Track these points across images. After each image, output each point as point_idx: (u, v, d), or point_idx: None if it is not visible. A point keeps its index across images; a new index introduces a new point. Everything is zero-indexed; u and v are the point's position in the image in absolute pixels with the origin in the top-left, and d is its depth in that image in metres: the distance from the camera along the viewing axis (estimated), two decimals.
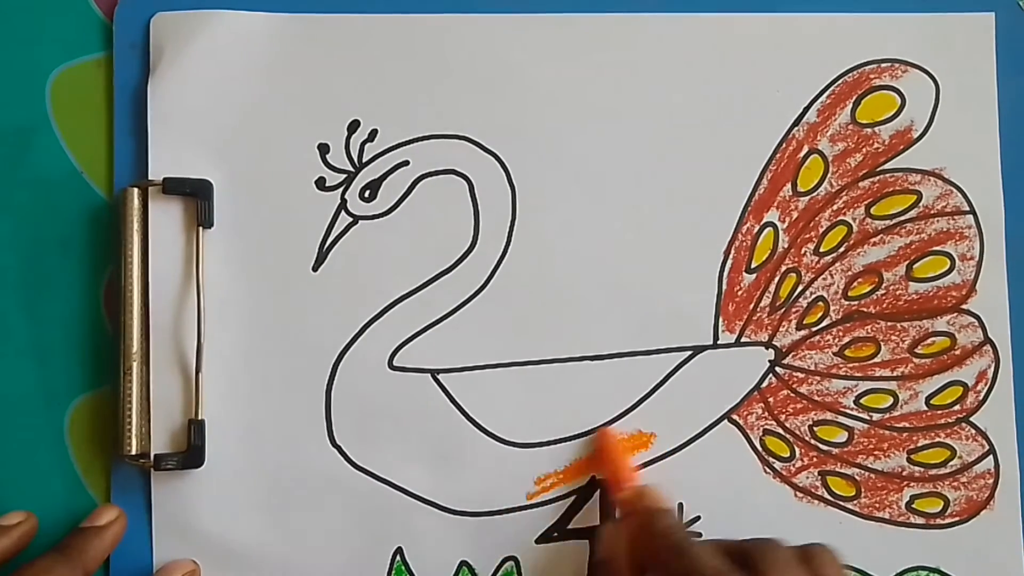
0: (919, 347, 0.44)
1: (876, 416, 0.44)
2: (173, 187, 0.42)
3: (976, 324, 0.44)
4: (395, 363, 0.42)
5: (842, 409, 0.44)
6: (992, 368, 0.44)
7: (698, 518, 0.43)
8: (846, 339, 0.44)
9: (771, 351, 0.44)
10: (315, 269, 0.43)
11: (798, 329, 0.44)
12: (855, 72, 0.44)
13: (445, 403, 0.42)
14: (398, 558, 0.42)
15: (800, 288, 0.44)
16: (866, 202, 0.44)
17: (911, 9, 0.44)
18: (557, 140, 0.43)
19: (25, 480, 0.42)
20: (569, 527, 0.43)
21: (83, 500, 0.42)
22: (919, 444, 0.44)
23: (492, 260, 0.43)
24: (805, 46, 0.44)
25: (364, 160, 0.43)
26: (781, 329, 0.44)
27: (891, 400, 0.44)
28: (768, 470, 0.43)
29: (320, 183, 0.43)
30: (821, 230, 0.44)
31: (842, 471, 0.43)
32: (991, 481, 0.43)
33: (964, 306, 0.44)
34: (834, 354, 0.44)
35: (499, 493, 0.42)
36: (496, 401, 0.42)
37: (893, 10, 0.44)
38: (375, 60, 0.43)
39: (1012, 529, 0.43)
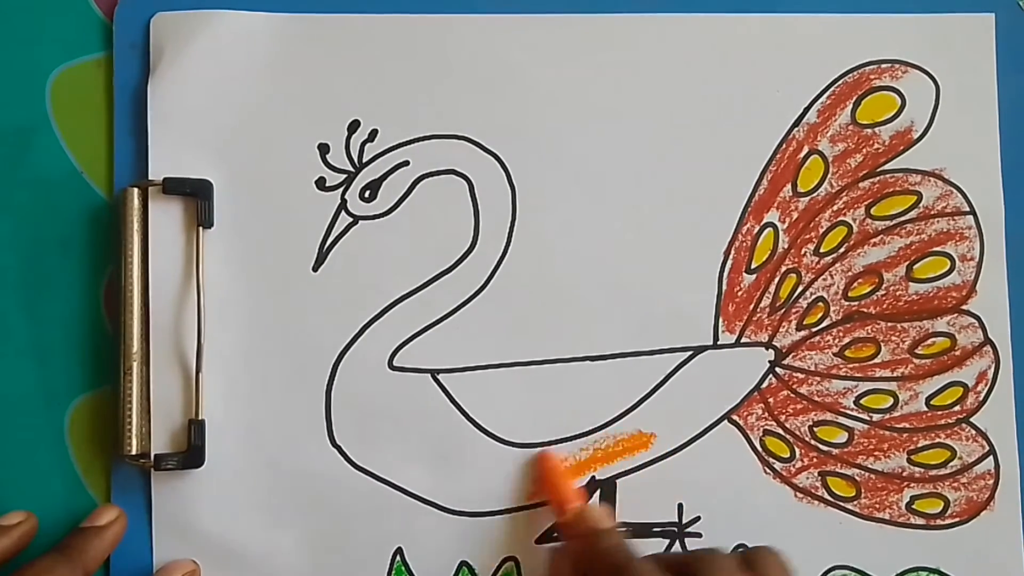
0: (919, 348, 0.44)
1: (876, 417, 0.44)
2: (173, 187, 0.42)
3: (976, 325, 0.44)
4: (395, 363, 0.42)
5: (842, 410, 0.44)
6: (992, 369, 0.44)
7: (698, 519, 0.43)
8: (846, 340, 0.44)
9: (771, 351, 0.44)
10: (315, 269, 0.43)
11: (798, 329, 0.44)
12: (855, 73, 0.44)
13: (445, 403, 0.42)
14: (398, 558, 0.42)
15: (800, 288, 0.44)
16: (866, 203, 0.44)
17: (911, 9, 0.44)
18: (557, 140, 0.43)
19: (25, 480, 0.42)
20: None
21: (83, 500, 0.42)
22: (919, 445, 0.43)
23: (492, 260, 0.43)
24: (805, 46, 0.44)
25: (364, 160, 0.43)
26: (781, 329, 0.44)
27: (891, 401, 0.44)
28: (768, 470, 0.43)
29: (320, 183, 0.43)
30: (821, 231, 0.44)
31: (842, 472, 0.43)
32: (991, 482, 0.43)
33: (964, 307, 0.44)
34: (834, 355, 0.44)
35: (499, 493, 0.42)
36: (496, 401, 0.42)
37: (893, 10, 0.44)
38: (375, 60, 0.43)
39: (1012, 530, 0.43)
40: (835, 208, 0.44)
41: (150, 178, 0.42)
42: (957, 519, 0.43)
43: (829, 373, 0.44)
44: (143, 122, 0.42)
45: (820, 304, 0.44)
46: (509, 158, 0.43)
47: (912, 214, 0.44)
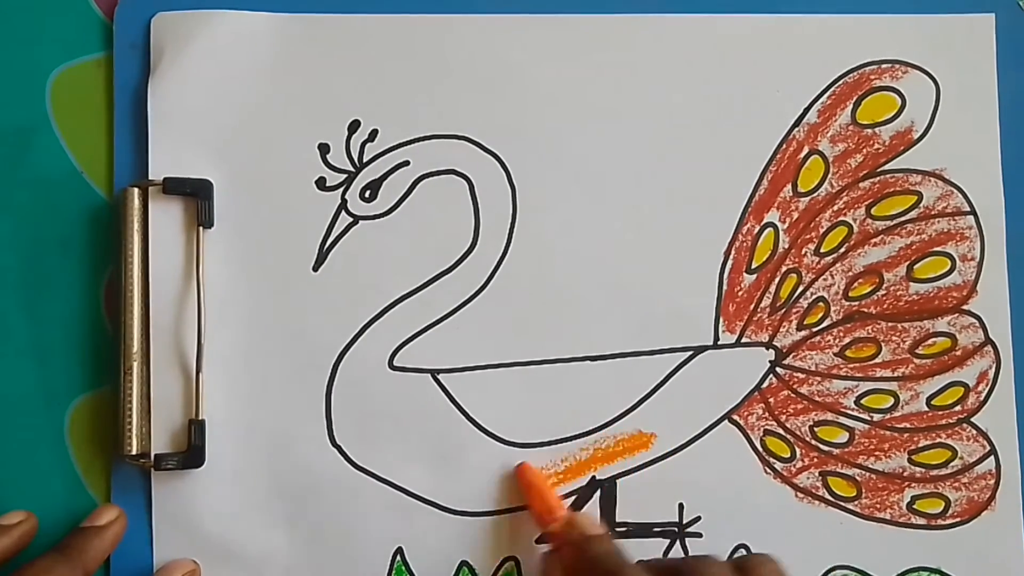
0: (920, 348, 0.44)
1: (877, 417, 0.43)
2: (173, 187, 0.42)
3: (977, 325, 0.44)
4: (395, 363, 0.42)
5: (843, 409, 0.44)
6: (993, 369, 0.44)
7: (698, 519, 0.43)
8: (847, 340, 0.44)
9: (772, 351, 0.44)
10: (315, 269, 0.43)
11: (799, 330, 0.44)
12: (855, 73, 0.44)
13: (445, 403, 0.42)
14: (398, 558, 0.42)
15: (800, 289, 0.44)
16: (867, 203, 0.44)
17: (911, 10, 0.44)
18: (557, 140, 0.43)
19: (25, 480, 0.42)
20: None
21: (83, 500, 0.42)
22: (920, 445, 0.43)
23: (492, 260, 0.43)
24: (805, 46, 0.44)
25: (364, 160, 0.43)
26: (782, 330, 0.44)
27: (892, 401, 0.44)
28: (769, 470, 0.43)
29: (320, 183, 0.43)
30: (822, 231, 0.44)
31: (843, 472, 0.43)
32: (992, 482, 0.43)
33: (965, 307, 0.44)
34: (835, 355, 0.44)
35: (499, 493, 0.42)
36: (496, 401, 0.42)
37: (893, 10, 0.44)
38: (375, 60, 0.43)
39: (1013, 530, 0.43)
40: (835, 208, 0.44)
41: (150, 178, 0.42)
42: (958, 519, 0.43)
43: (830, 373, 0.44)
44: (143, 122, 0.42)
45: (820, 304, 0.44)
46: (509, 158, 0.43)
47: (912, 214, 0.44)
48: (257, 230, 0.42)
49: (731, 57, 0.44)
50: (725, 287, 0.43)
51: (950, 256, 0.44)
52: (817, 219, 0.44)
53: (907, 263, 0.44)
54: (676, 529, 0.43)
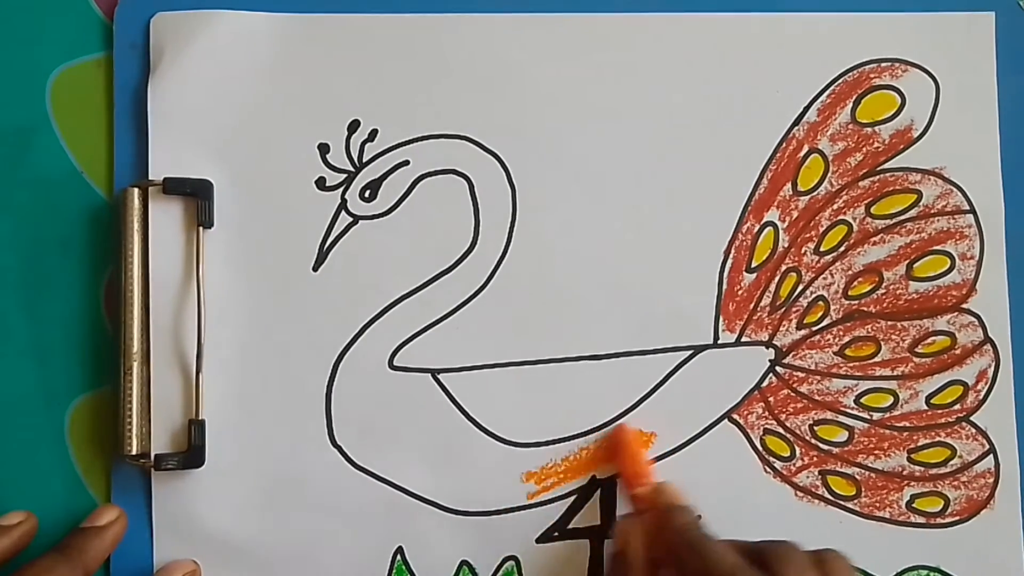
0: (919, 346, 0.44)
1: (876, 415, 0.44)
2: (173, 187, 0.41)
3: (976, 323, 0.44)
4: (395, 363, 0.42)
5: (842, 408, 0.44)
6: (992, 367, 0.44)
7: (698, 518, 0.43)
8: (846, 338, 0.44)
9: (771, 350, 0.44)
10: (315, 269, 0.43)
11: (798, 328, 0.44)
12: (855, 71, 0.44)
13: (445, 403, 0.42)
14: (399, 558, 0.42)
15: (800, 287, 0.44)
16: (866, 201, 0.44)
17: (911, 9, 0.44)
18: (557, 140, 0.43)
19: (25, 480, 0.42)
20: (570, 527, 0.43)
21: (83, 500, 0.42)
22: (919, 443, 0.44)
23: (492, 260, 0.43)
24: (805, 46, 0.44)
25: (364, 160, 0.43)
26: (781, 329, 0.44)
27: (891, 399, 0.44)
28: (768, 469, 0.43)
29: (320, 183, 0.43)
30: (821, 229, 0.44)
31: (842, 470, 0.43)
32: (991, 480, 0.43)
33: (964, 305, 0.44)
34: (834, 353, 0.44)
35: (500, 493, 0.42)
36: (496, 401, 0.42)
37: (893, 10, 0.44)
38: (375, 60, 0.43)
39: (1012, 528, 0.43)
40: (835, 207, 0.44)
41: (150, 178, 0.42)
42: (957, 518, 0.43)
43: (829, 372, 0.44)
44: (143, 122, 0.42)
45: (820, 303, 0.44)
46: (509, 158, 0.43)
47: (912, 213, 0.44)
48: (257, 230, 0.42)
49: (731, 56, 0.44)
50: (725, 286, 0.44)
51: (949, 255, 0.44)
52: (817, 218, 0.44)
53: (907, 262, 0.44)
54: None
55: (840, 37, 0.44)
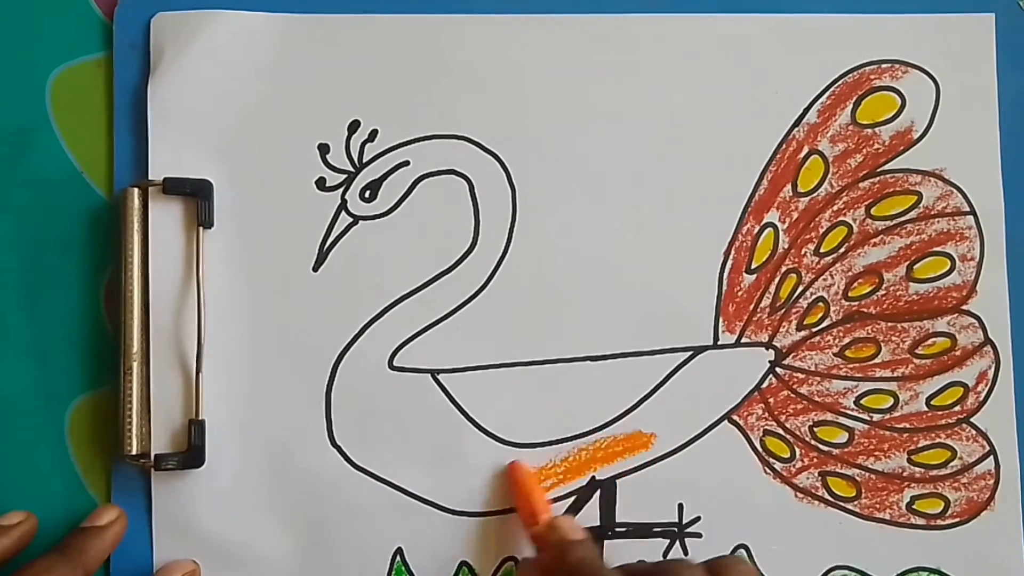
0: (919, 348, 0.44)
1: (876, 417, 0.44)
2: (173, 187, 0.41)
3: (976, 325, 0.44)
4: (395, 363, 0.42)
5: (842, 410, 0.44)
6: (992, 369, 0.44)
7: (698, 519, 0.43)
8: (846, 340, 0.44)
9: (771, 352, 0.44)
10: (315, 269, 0.43)
11: (798, 330, 0.44)
12: (855, 73, 0.44)
13: (445, 403, 0.42)
14: (398, 558, 0.42)
15: (800, 289, 0.44)
16: (866, 203, 0.44)
17: (911, 9, 0.44)
18: (557, 140, 0.43)
19: (25, 480, 0.42)
20: None
21: (83, 500, 0.42)
22: (920, 445, 0.43)
23: (492, 260, 0.43)
24: (805, 46, 0.44)
25: (364, 160, 0.43)
26: (781, 330, 0.44)
27: (891, 401, 0.44)
28: (768, 471, 0.43)
29: (320, 183, 0.43)
30: (821, 231, 0.44)
31: (842, 472, 0.43)
32: (992, 482, 0.43)
33: (964, 307, 0.44)
34: (834, 355, 0.44)
35: (499, 493, 0.42)
36: (496, 401, 0.42)
37: (893, 10, 0.44)
38: (375, 60, 0.43)
39: (1013, 530, 0.43)
40: (835, 208, 0.44)
41: (150, 178, 0.42)
42: (957, 519, 0.43)
43: (829, 373, 0.44)
44: (143, 122, 0.42)
45: (820, 304, 0.44)
46: (509, 158, 0.43)
47: (912, 214, 0.44)
48: (257, 230, 0.42)
49: (731, 57, 0.44)
50: (725, 287, 0.44)
51: (950, 256, 0.44)
52: (817, 219, 0.44)
53: (907, 263, 0.44)
54: (676, 529, 0.43)
55: (840, 38, 0.44)
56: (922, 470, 0.43)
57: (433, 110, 0.43)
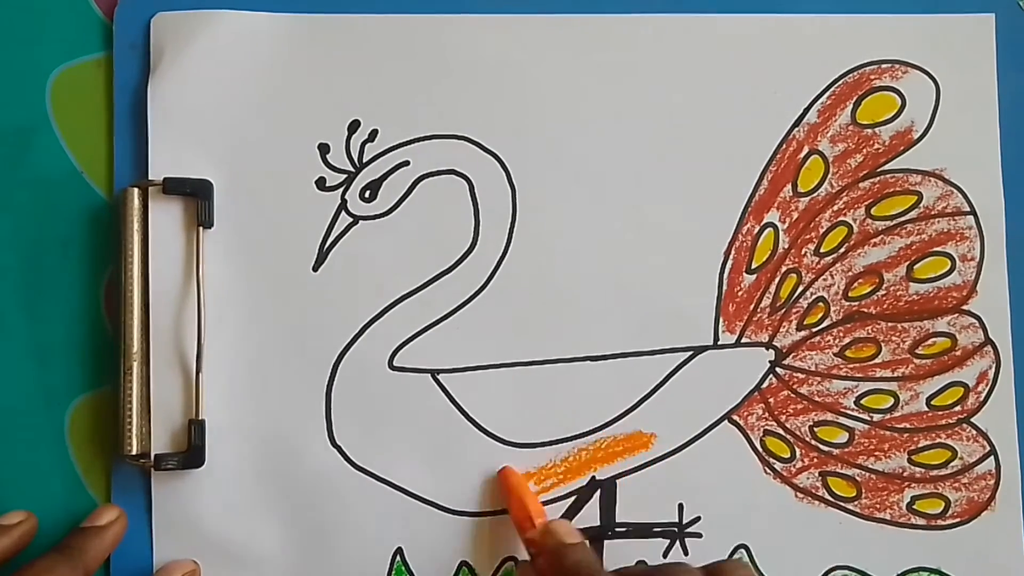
0: (920, 348, 0.44)
1: (877, 417, 0.43)
2: (173, 187, 0.41)
3: (977, 325, 0.44)
4: (395, 363, 0.42)
5: (843, 410, 0.44)
6: (993, 369, 0.44)
7: (698, 519, 0.43)
8: (847, 340, 0.44)
9: (771, 352, 0.44)
10: (315, 269, 0.43)
11: (798, 330, 0.44)
12: (855, 73, 0.44)
13: (445, 403, 0.42)
14: (398, 558, 0.42)
15: (800, 289, 0.44)
16: (866, 203, 0.44)
17: (911, 9, 0.44)
18: (557, 140, 0.43)
19: (25, 480, 0.42)
20: None
21: (83, 500, 0.42)
22: (920, 445, 0.43)
23: (492, 260, 0.43)
24: (805, 46, 0.44)
25: (364, 160, 0.43)
26: (781, 330, 0.44)
27: (892, 401, 0.44)
28: (768, 471, 0.43)
29: (320, 183, 0.43)
30: (821, 231, 0.44)
31: (843, 472, 0.43)
32: (992, 482, 0.43)
33: (965, 307, 0.44)
34: (835, 355, 0.44)
35: (499, 493, 0.42)
36: (496, 401, 0.42)
37: (893, 10, 0.44)
38: (375, 60, 0.43)
39: (1013, 530, 0.43)
40: (835, 208, 0.44)
41: (150, 178, 0.42)
42: (958, 519, 0.43)
43: (829, 373, 0.44)
44: (143, 122, 0.42)
45: (820, 304, 0.44)
46: (509, 158, 0.43)
47: (912, 214, 0.44)
48: (257, 230, 0.42)
49: (731, 57, 0.44)
50: (725, 287, 0.43)
51: (950, 256, 0.44)
52: (817, 219, 0.44)
53: (907, 263, 0.44)
54: (676, 529, 0.43)
55: (840, 38, 0.44)
56: (922, 470, 0.43)
57: (433, 110, 0.43)
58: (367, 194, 0.43)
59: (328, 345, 0.42)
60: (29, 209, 0.42)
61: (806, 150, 0.44)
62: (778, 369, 0.44)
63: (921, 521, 0.43)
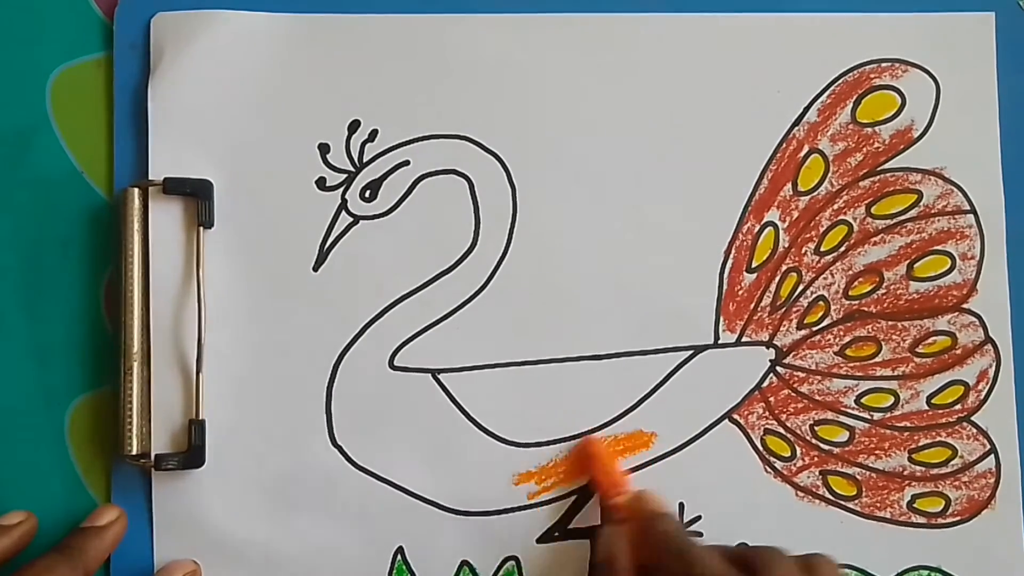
0: (920, 346, 0.44)
1: (877, 415, 0.44)
2: (173, 187, 0.41)
3: (977, 323, 0.44)
4: (396, 363, 0.42)
5: (843, 408, 0.44)
6: (993, 367, 0.44)
7: (699, 518, 0.43)
8: (847, 338, 0.44)
9: (772, 351, 0.44)
10: (315, 269, 0.43)
11: (799, 328, 0.44)
12: (855, 72, 0.44)
13: (446, 403, 0.42)
14: (399, 558, 0.42)
15: (801, 288, 0.44)
16: (867, 201, 0.44)
17: (911, 9, 0.44)
18: (557, 140, 0.43)
19: (25, 480, 0.42)
20: (570, 527, 0.43)
21: (83, 500, 0.42)
22: (920, 443, 0.43)
23: (492, 260, 0.43)
24: (805, 46, 0.44)
25: (364, 160, 0.43)
26: (782, 329, 0.44)
27: (892, 399, 0.44)
28: (769, 470, 0.43)
29: (320, 183, 0.43)
30: (822, 229, 0.44)
31: (843, 471, 0.43)
32: (992, 480, 0.43)
33: (965, 305, 0.44)
34: (835, 353, 0.44)
35: (500, 493, 0.42)
36: (497, 401, 0.42)
37: (893, 10, 0.44)
38: (375, 60, 0.43)
39: (1013, 528, 0.43)
40: (835, 207, 0.44)
41: (150, 178, 0.42)
42: (958, 518, 0.43)
43: (830, 372, 0.44)
44: (143, 122, 0.42)
45: (821, 303, 0.44)
46: (509, 158, 0.43)
47: (912, 213, 0.44)
48: (257, 230, 0.42)
49: (731, 56, 0.44)
50: (725, 286, 0.44)
51: (950, 255, 0.44)
52: (817, 218, 0.44)
53: (907, 262, 0.44)
54: None
55: (840, 37, 0.44)
56: (923, 469, 0.43)
57: (433, 110, 0.43)
58: (367, 194, 0.43)
59: (328, 345, 0.42)
60: (29, 209, 0.42)
61: (806, 149, 0.44)
62: (778, 368, 0.44)
63: (921, 520, 0.43)
